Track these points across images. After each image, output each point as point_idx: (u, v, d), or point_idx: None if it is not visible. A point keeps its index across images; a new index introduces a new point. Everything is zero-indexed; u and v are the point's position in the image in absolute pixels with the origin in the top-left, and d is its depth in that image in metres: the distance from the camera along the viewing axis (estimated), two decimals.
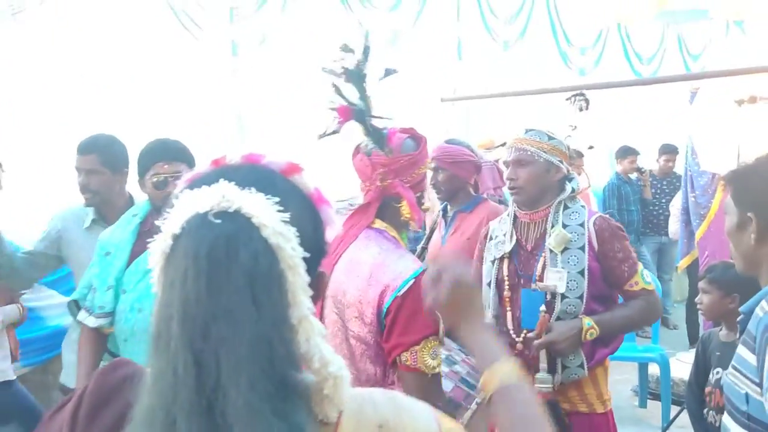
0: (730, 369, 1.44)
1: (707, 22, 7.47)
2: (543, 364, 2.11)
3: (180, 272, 0.71)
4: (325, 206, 0.83)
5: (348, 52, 1.70)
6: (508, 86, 5.44)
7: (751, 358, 1.32)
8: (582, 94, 3.11)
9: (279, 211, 0.74)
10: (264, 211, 0.73)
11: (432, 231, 3.11)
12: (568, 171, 2.27)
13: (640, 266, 2.23)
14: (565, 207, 2.23)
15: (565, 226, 2.19)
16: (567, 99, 3.15)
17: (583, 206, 2.26)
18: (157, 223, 0.77)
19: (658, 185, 6.19)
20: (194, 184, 0.78)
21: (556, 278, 2.14)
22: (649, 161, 6.28)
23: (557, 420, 2.10)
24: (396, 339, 1.63)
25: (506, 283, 2.25)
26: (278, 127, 4.80)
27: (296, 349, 0.73)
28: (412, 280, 1.63)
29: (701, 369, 2.63)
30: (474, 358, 1.10)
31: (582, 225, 2.19)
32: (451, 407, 2.42)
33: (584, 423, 2.18)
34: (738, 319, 1.52)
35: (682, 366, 4.17)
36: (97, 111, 4.04)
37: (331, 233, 0.85)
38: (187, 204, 0.74)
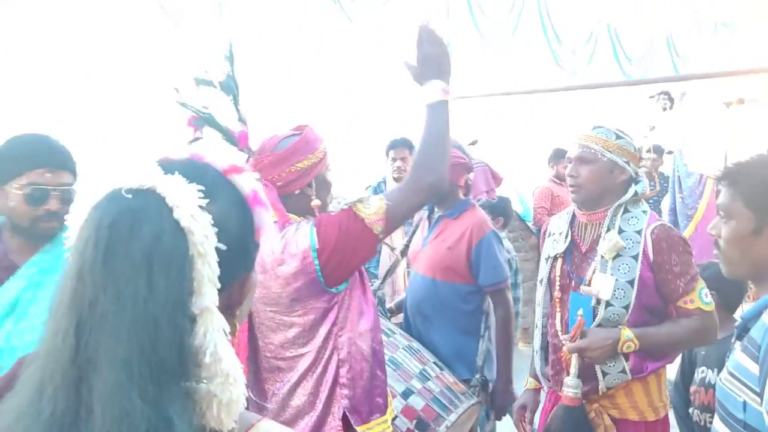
0: (725, 374, 1.39)
1: (695, 22, 7.52)
2: (573, 369, 2.05)
3: (82, 242, 0.70)
4: (259, 208, 0.82)
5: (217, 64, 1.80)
6: (499, 86, 5.44)
7: (753, 367, 1.28)
8: (667, 93, 3.07)
9: (200, 198, 0.73)
10: (180, 194, 0.72)
11: (416, 228, 3.02)
12: (636, 173, 2.17)
13: (701, 284, 2.08)
14: (626, 211, 2.13)
15: (621, 231, 2.08)
16: (651, 97, 3.12)
17: (644, 212, 2.13)
18: (12, 256, 0.71)
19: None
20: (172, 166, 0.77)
21: (602, 284, 2.05)
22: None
23: (581, 427, 2.05)
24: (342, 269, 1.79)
25: (557, 283, 2.19)
26: (266, 116, 4.76)
27: (188, 339, 0.70)
28: (315, 228, 1.74)
29: (687, 368, 2.62)
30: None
31: (639, 232, 2.08)
32: (420, 427, 2.39)
33: (633, 431, 2.10)
34: (735, 324, 1.46)
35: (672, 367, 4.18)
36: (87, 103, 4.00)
37: (264, 236, 0.83)
38: (108, 180, 0.73)
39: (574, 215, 2.24)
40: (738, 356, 1.35)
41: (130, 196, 0.70)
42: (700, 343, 2.35)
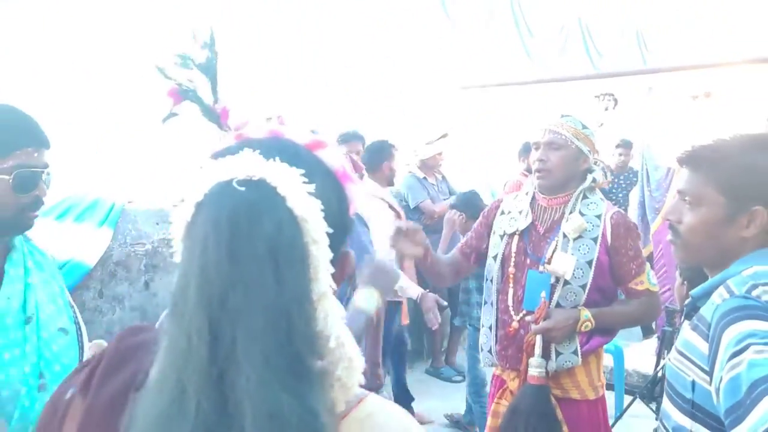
0: (674, 354, 1.37)
1: (664, 18, 7.62)
2: (538, 350, 2.14)
3: (200, 239, 0.68)
4: (349, 183, 0.80)
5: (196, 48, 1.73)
6: (471, 78, 5.44)
7: (703, 346, 1.26)
8: (611, 94, 3.12)
9: (304, 183, 0.71)
10: (289, 182, 0.70)
11: None
12: (595, 163, 2.28)
13: (647, 266, 2.24)
14: (585, 197, 2.24)
15: (582, 215, 2.20)
16: (596, 96, 3.15)
17: (602, 199, 2.26)
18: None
19: (615, 180, 6.29)
20: (218, 154, 0.75)
21: (564, 263, 2.15)
22: (605, 156, 6.38)
23: (548, 405, 2.14)
24: None
25: (513, 260, 2.26)
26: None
27: (314, 326, 0.70)
28: None
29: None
30: None
31: (599, 217, 2.19)
32: None
33: (575, 409, 2.19)
34: (686, 302, 1.44)
35: (635, 357, 4.25)
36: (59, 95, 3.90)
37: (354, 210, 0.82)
38: (211, 172, 0.71)
39: (534, 197, 2.32)
40: (687, 335, 1.33)
41: (243, 188, 0.68)
42: (647, 320, 2.54)
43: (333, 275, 0.73)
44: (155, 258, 3.78)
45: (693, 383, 1.28)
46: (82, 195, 3.66)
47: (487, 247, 2.39)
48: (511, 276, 2.26)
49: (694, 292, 1.40)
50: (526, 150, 5.43)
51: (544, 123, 2.29)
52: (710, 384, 1.22)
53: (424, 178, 4.88)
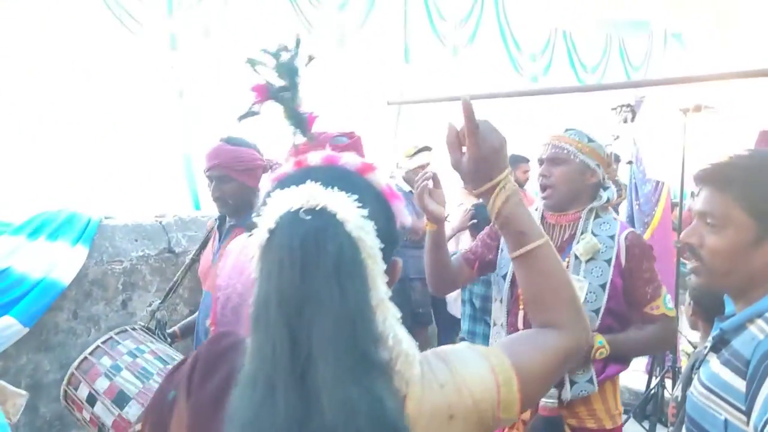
0: (699, 388, 1.29)
1: (647, 34, 7.67)
2: None
3: (276, 262, 0.82)
4: (396, 201, 0.94)
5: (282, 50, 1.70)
6: (457, 91, 5.39)
7: (739, 383, 1.18)
8: (629, 105, 3.04)
9: (358, 207, 0.84)
10: (346, 208, 0.84)
11: (206, 241, 2.71)
12: (604, 178, 2.14)
13: (664, 290, 2.12)
14: (597, 216, 2.11)
15: (594, 235, 2.07)
16: (612, 109, 3.07)
17: (615, 219, 2.14)
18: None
19: None
20: (283, 183, 0.89)
21: (576, 288, 2.02)
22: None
23: None
24: None
25: None
26: (220, 119, 4.61)
27: (375, 328, 0.83)
28: None
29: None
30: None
31: (612, 237, 2.07)
32: None
33: None
34: (714, 334, 1.35)
35: (626, 374, 4.18)
36: (30, 106, 3.78)
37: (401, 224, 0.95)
38: (280, 202, 0.85)
39: (543, 216, 2.20)
40: (717, 369, 1.25)
41: (309, 217, 0.82)
42: (663, 348, 2.39)
43: (387, 282, 0.87)
44: (133, 276, 3.64)
45: (726, 422, 1.20)
46: (56, 211, 3.52)
47: (492, 258, 2.26)
48: (521, 297, 2.13)
49: (724, 325, 1.30)
50: (512, 162, 5.38)
51: (546, 137, 2.18)
52: (747, 425, 1.14)
53: (410, 191, 4.81)
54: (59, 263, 3.36)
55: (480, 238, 2.33)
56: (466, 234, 4.44)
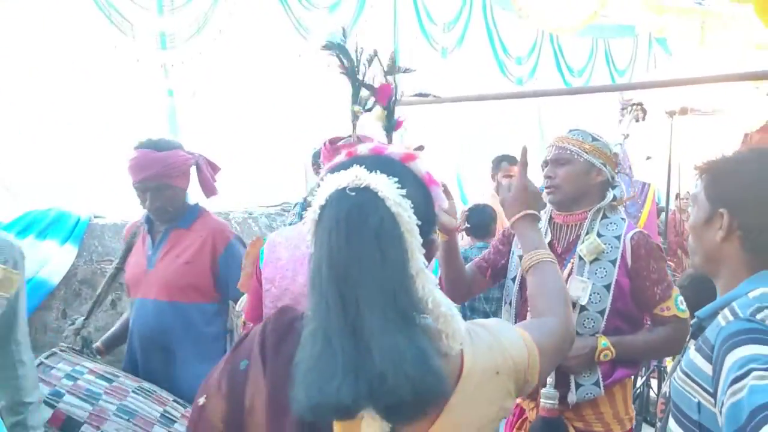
0: (679, 373, 1.37)
1: (633, 39, 7.77)
2: (550, 380, 1.99)
3: (325, 231, 0.96)
4: (434, 186, 1.07)
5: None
6: (447, 93, 5.42)
7: (707, 368, 1.25)
8: (640, 104, 3.05)
9: (398, 188, 0.98)
10: (387, 188, 0.97)
11: (129, 248, 2.52)
12: (612, 177, 2.13)
13: (676, 291, 2.07)
14: (604, 216, 2.10)
15: (600, 235, 2.06)
16: (623, 108, 3.11)
17: (623, 219, 2.12)
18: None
19: None
20: (335, 169, 1.03)
21: (579, 288, 2.01)
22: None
23: None
24: None
25: None
26: (211, 123, 4.60)
27: (414, 292, 0.96)
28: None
29: None
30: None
31: (618, 238, 2.05)
32: None
33: None
34: (693, 321, 1.45)
35: None
36: (22, 105, 3.75)
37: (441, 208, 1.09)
38: (330, 183, 1.00)
39: (551, 216, 2.20)
40: (692, 355, 1.33)
41: (353, 194, 0.97)
42: (674, 351, 2.31)
43: (425, 255, 1.00)
44: (122, 276, 3.62)
45: (699, 405, 1.27)
46: (45, 210, 3.50)
47: (504, 265, 2.26)
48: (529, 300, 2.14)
49: (699, 312, 1.40)
50: (496, 166, 5.42)
51: (551, 139, 2.19)
52: (715, 406, 1.20)
53: None
54: (48, 262, 3.34)
55: (493, 244, 2.34)
56: (461, 236, 4.48)
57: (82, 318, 2.42)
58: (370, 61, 1.87)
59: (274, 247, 1.90)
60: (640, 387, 4.31)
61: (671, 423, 1.38)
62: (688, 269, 2.82)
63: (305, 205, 4.10)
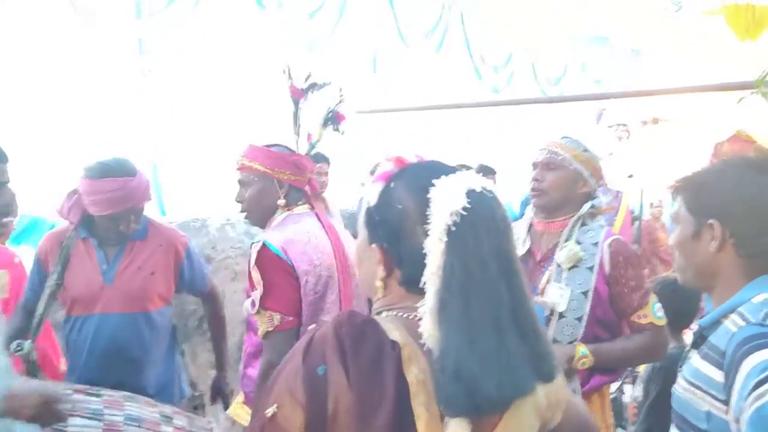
0: (683, 384, 1.37)
1: (608, 49, 7.91)
2: None
3: (485, 229, 1.01)
4: None
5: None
6: (425, 101, 5.47)
7: (717, 375, 1.26)
8: (624, 124, 3.10)
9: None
10: (496, 190, 1.06)
11: (66, 263, 2.36)
12: (594, 189, 2.14)
13: (653, 298, 2.08)
14: (583, 224, 2.10)
15: (578, 243, 2.06)
16: (609, 126, 3.16)
17: (602, 226, 2.12)
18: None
19: None
20: (432, 175, 1.05)
21: (557, 295, 2.02)
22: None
23: None
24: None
25: None
26: (189, 131, 4.58)
27: None
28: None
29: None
30: None
31: (596, 245, 2.05)
32: None
33: None
34: (694, 331, 1.44)
35: None
36: None
37: None
38: (453, 187, 1.02)
39: (531, 223, 2.21)
40: (697, 364, 1.33)
41: (490, 195, 1.04)
42: (652, 359, 2.33)
43: None
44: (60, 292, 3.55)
45: (708, 414, 1.27)
46: (20, 216, 3.45)
47: None
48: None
49: (702, 321, 1.40)
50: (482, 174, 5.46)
51: (542, 143, 2.19)
52: (727, 413, 1.21)
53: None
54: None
55: None
56: None
57: (29, 341, 2.27)
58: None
59: (292, 244, 2.01)
60: (614, 392, 4.36)
61: None
62: (660, 275, 2.85)
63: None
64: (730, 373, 1.21)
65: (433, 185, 1.02)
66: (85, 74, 4.11)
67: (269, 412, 1.02)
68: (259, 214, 2.24)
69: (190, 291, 2.61)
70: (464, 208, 0.99)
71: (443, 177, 1.04)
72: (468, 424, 0.97)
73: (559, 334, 2.02)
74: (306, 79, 2.16)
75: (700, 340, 1.37)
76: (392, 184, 1.08)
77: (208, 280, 2.66)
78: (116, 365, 2.30)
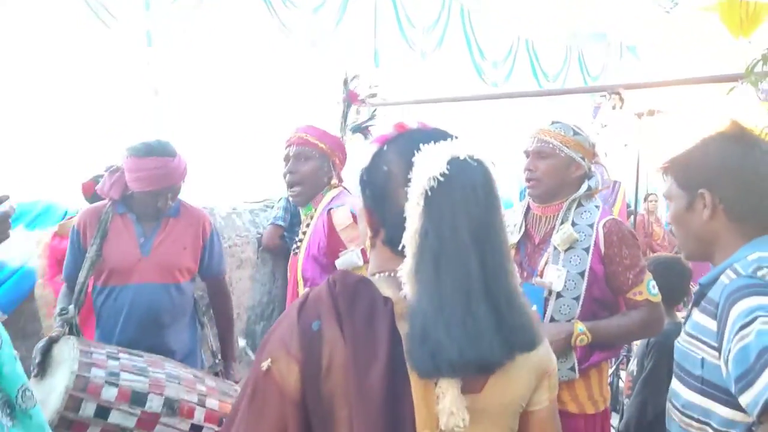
0: (683, 336, 1.47)
1: (605, 45, 8.02)
2: None
3: (460, 198, 1.00)
4: None
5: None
6: (425, 95, 5.56)
7: (711, 324, 1.35)
8: (618, 93, 3.16)
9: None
10: (486, 158, 1.05)
11: (104, 236, 2.51)
12: (589, 169, 2.17)
13: (648, 276, 2.12)
14: (579, 205, 2.14)
15: (574, 224, 2.10)
16: (602, 95, 3.24)
17: (597, 206, 2.15)
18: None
19: None
20: (406, 141, 1.07)
21: (554, 276, 2.07)
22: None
23: None
24: None
25: None
26: (195, 120, 4.67)
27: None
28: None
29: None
30: None
31: (591, 226, 2.10)
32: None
33: (572, 423, 2.07)
34: (693, 291, 1.54)
35: None
36: (7, 102, 3.80)
37: None
38: (435, 153, 1.02)
39: (528, 207, 2.26)
40: (696, 317, 1.43)
41: (475, 163, 1.03)
42: (648, 334, 2.40)
43: None
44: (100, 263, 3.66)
45: (702, 360, 1.37)
46: (33, 202, 3.55)
47: None
48: None
49: (702, 280, 1.49)
50: None
51: (533, 130, 2.22)
52: (719, 358, 1.30)
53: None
54: (37, 252, 3.39)
55: None
56: None
57: (72, 306, 2.45)
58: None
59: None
60: (610, 376, 4.46)
61: (674, 384, 1.49)
62: (654, 254, 2.96)
63: (289, 198, 4.22)
64: (721, 321, 1.30)
65: (420, 150, 1.03)
66: (95, 66, 4.21)
67: (264, 365, 1.03)
68: (310, 188, 2.43)
69: (206, 272, 2.71)
70: (442, 174, 0.99)
71: (432, 143, 1.04)
72: (456, 381, 1.01)
73: (557, 313, 2.08)
74: (369, 88, 2.34)
75: (700, 299, 1.46)
76: (385, 147, 1.10)
77: (225, 266, 2.79)
78: (150, 331, 2.47)
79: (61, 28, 4.13)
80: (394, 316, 1.03)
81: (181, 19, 4.47)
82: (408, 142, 1.07)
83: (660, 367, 2.62)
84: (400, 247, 1.03)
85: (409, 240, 1.01)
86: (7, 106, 3.84)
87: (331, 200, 2.40)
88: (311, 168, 2.42)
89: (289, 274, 2.64)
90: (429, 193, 1.00)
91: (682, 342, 1.48)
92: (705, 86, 3.75)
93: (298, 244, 2.52)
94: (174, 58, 4.49)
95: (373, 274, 1.12)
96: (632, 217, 5.44)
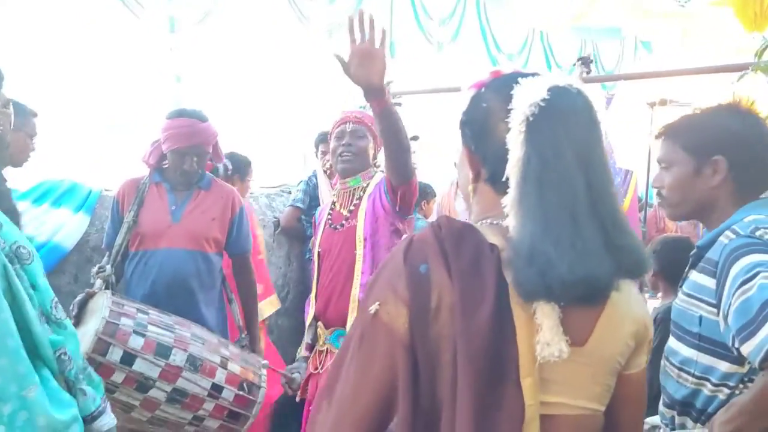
0: (680, 296, 1.53)
1: (619, 40, 8.05)
2: None
3: (562, 121, 1.02)
4: None
5: None
6: (441, 86, 5.63)
7: (710, 282, 1.41)
8: (582, 58, 3.20)
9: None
10: (588, 89, 1.08)
11: (141, 203, 2.74)
12: None
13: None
14: None
15: None
16: (574, 64, 3.30)
17: None
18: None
19: None
20: (501, 83, 1.09)
21: None
22: None
23: None
24: None
25: None
26: (214, 106, 4.78)
27: None
28: None
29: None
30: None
31: None
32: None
33: None
34: (691, 253, 1.59)
35: None
36: (33, 89, 3.90)
37: None
38: (535, 85, 1.04)
39: None
40: (694, 278, 1.49)
41: (575, 91, 1.06)
42: None
43: None
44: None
45: (700, 318, 1.44)
46: (59, 180, 3.67)
47: None
48: None
49: (700, 242, 1.56)
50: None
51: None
52: (717, 315, 1.37)
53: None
54: (62, 228, 3.51)
55: None
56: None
57: (109, 264, 2.68)
58: None
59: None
60: None
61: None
62: (660, 235, 3.02)
63: (309, 182, 4.33)
64: (721, 278, 1.37)
65: (519, 84, 1.05)
66: (119, 52, 4.32)
67: (372, 309, 1.02)
68: (360, 164, 2.65)
69: (233, 248, 2.84)
70: (543, 100, 1.01)
71: (528, 79, 1.06)
72: (555, 310, 0.99)
73: None
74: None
75: (697, 261, 1.53)
76: (483, 90, 1.12)
77: (251, 243, 2.93)
78: (178, 294, 2.62)
79: (86, 14, 4.24)
80: (501, 262, 1.02)
81: (204, 6, 4.57)
82: (506, 80, 1.08)
83: (665, 344, 2.67)
84: (503, 179, 1.04)
85: (512, 169, 1.02)
86: (31, 94, 3.95)
87: (381, 180, 2.59)
88: (365, 145, 2.63)
89: (313, 250, 2.75)
90: (530, 119, 1.01)
91: (679, 302, 1.54)
92: (717, 77, 3.80)
93: (343, 222, 2.59)
94: (196, 45, 4.60)
95: (477, 222, 1.11)
96: (643, 210, 5.45)
